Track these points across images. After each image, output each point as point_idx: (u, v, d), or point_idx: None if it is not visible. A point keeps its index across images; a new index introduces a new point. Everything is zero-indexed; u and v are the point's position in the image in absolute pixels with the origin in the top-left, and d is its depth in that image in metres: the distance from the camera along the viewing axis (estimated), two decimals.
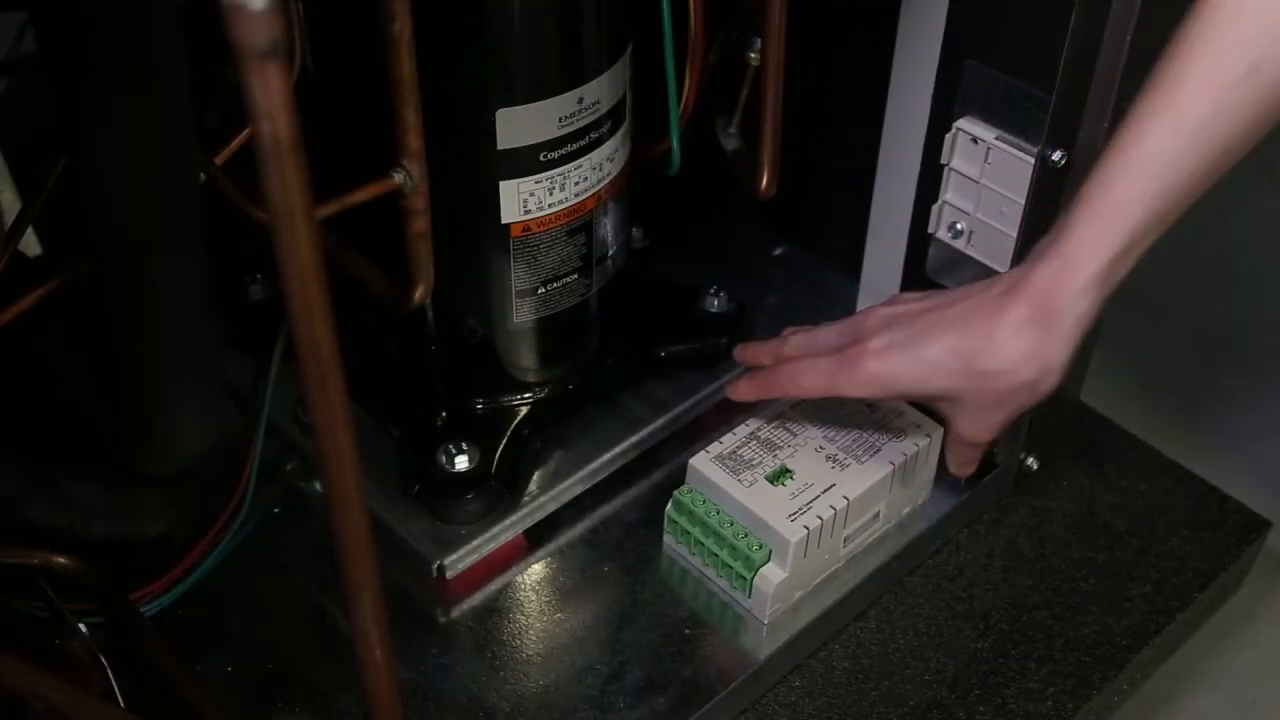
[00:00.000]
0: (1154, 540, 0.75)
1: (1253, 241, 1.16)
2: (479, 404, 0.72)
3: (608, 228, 0.69)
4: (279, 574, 0.69)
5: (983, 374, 0.59)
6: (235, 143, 0.60)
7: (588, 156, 0.65)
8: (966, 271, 0.72)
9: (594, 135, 0.64)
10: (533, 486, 0.71)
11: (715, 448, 0.68)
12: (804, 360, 0.65)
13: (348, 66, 0.62)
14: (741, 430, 0.69)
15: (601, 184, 0.66)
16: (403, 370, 0.73)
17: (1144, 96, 0.54)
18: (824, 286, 0.83)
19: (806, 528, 0.64)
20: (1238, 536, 0.76)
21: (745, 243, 0.86)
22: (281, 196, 0.32)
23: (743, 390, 0.68)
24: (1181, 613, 0.72)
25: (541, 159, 0.63)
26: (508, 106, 0.61)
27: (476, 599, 0.68)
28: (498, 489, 0.69)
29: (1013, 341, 0.57)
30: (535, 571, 0.70)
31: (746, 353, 0.71)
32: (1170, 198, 0.54)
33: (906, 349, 0.60)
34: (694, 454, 0.68)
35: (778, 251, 0.86)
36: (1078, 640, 0.70)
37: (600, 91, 0.63)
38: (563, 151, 0.63)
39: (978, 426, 0.62)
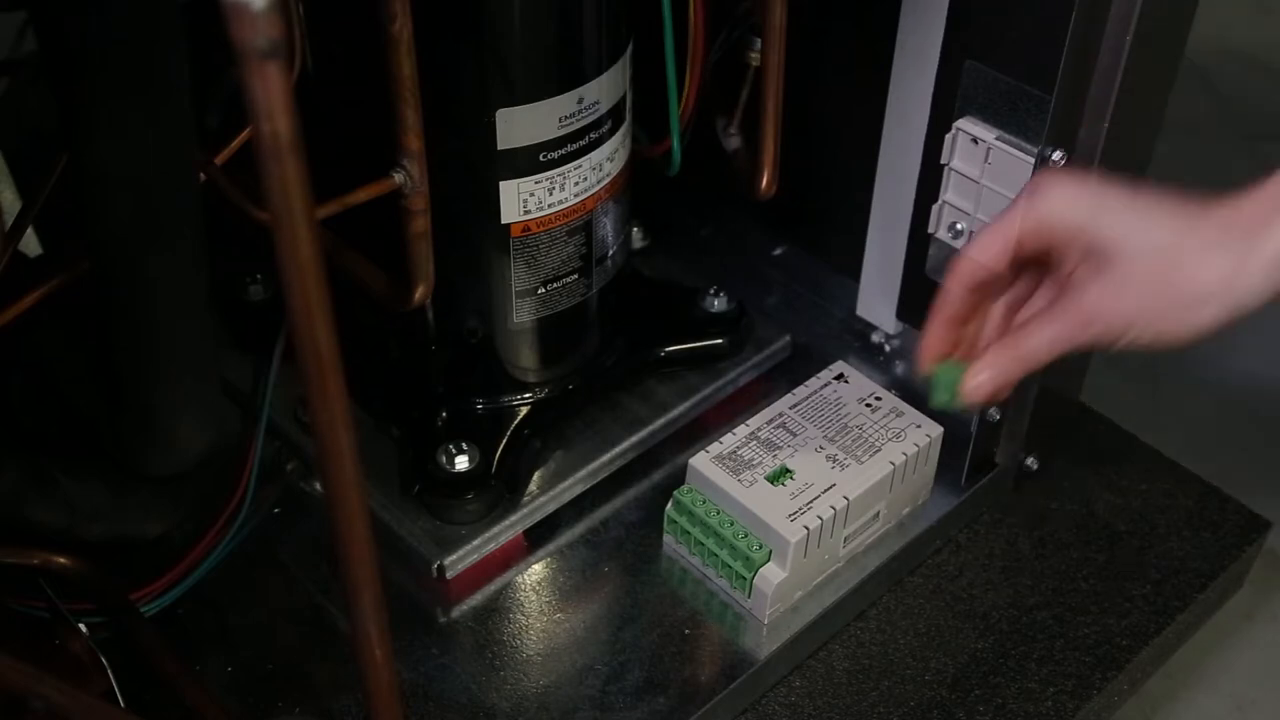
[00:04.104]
0: (1154, 540, 0.75)
1: None
2: (479, 404, 0.72)
3: (608, 228, 0.69)
4: (279, 574, 0.69)
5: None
6: (235, 143, 0.60)
7: (588, 157, 0.65)
8: None
9: (594, 135, 0.64)
10: (533, 486, 0.71)
11: (715, 448, 0.68)
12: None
13: (347, 66, 0.62)
14: (741, 430, 0.69)
15: (601, 184, 0.66)
16: (403, 370, 0.73)
17: None
18: (824, 286, 0.83)
19: (806, 528, 0.64)
20: (1238, 536, 0.76)
21: (745, 243, 0.86)
22: (281, 196, 0.32)
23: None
24: (1181, 613, 0.72)
25: (541, 159, 0.63)
26: (508, 106, 0.61)
27: (476, 599, 0.68)
28: (498, 489, 0.69)
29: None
30: (535, 571, 0.70)
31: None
32: None
33: None
34: (694, 454, 0.68)
35: (778, 251, 0.86)
36: (1078, 640, 0.70)
37: (600, 92, 0.63)
38: (563, 151, 0.63)
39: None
